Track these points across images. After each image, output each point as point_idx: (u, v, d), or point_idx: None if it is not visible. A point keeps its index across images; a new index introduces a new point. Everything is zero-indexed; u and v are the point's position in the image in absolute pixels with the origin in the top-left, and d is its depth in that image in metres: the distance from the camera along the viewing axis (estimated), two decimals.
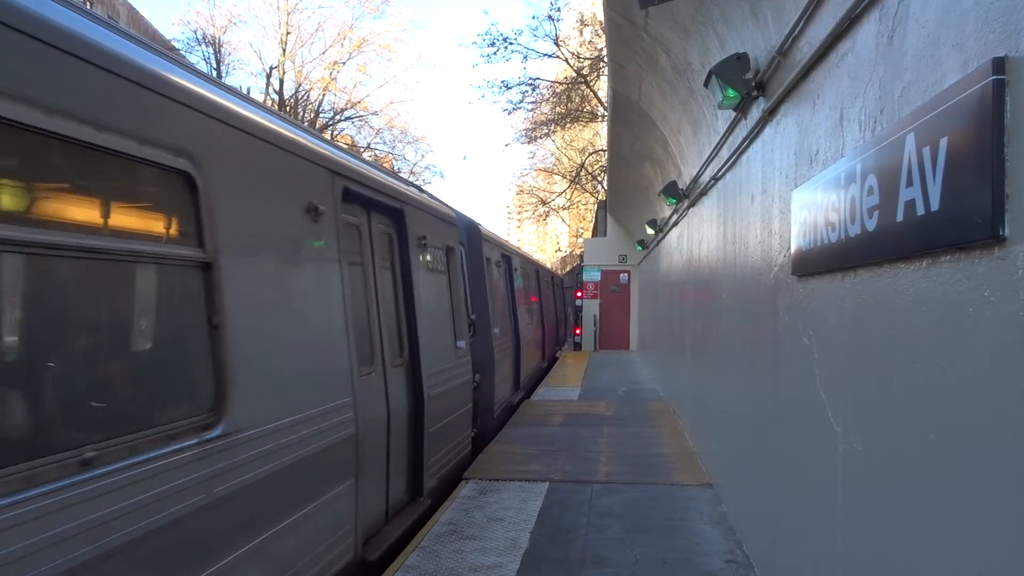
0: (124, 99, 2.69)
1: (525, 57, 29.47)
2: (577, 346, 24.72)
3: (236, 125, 3.48)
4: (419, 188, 7.83)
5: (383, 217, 5.73)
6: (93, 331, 2.70)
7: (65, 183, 2.57)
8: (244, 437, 3.25)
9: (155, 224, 3.05)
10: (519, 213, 54.97)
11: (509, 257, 12.92)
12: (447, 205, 8.57)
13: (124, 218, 2.86)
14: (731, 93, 4.99)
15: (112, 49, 2.68)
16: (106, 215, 2.74)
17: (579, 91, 28.05)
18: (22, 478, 2.13)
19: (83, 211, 2.67)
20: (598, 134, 31.66)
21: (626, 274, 23.31)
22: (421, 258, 6.42)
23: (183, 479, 2.82)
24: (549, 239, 67.08)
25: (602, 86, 24.39)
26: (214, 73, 27.40)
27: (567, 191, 35.53)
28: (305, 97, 30.74)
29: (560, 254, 55.71)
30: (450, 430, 6.98)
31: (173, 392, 3.03)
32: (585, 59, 26.73)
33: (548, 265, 35.92)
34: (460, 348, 7.67)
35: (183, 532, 2.81)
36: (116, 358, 2.79)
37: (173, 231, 3.08)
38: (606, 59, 10.85)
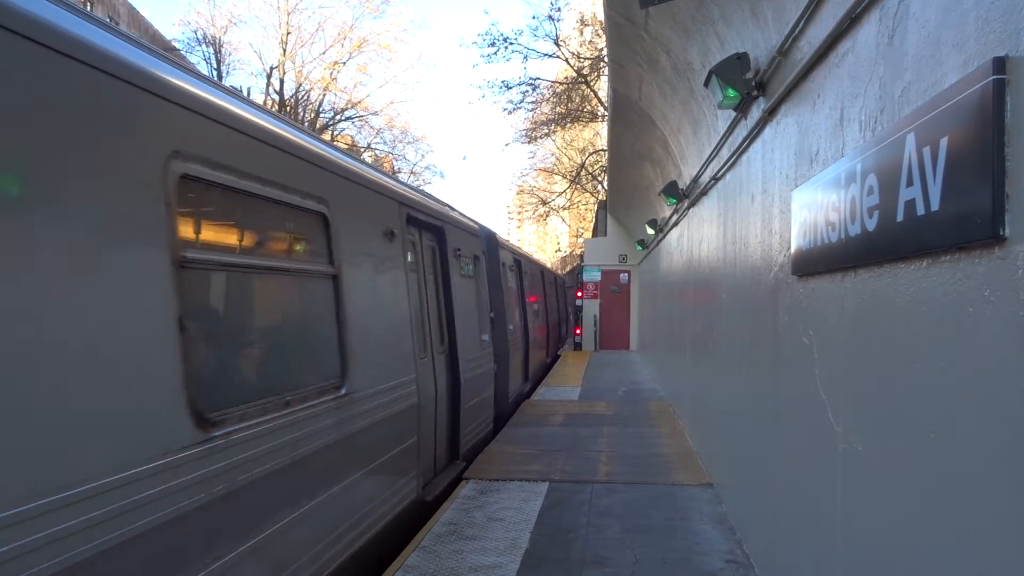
0: (300, 170, 4.16)
1: (525, 57, 29.51)
2: (577, 346, 24.70)
3: (345, 176, 4.92)
4: (451, 207, 8.99)
5: (429, 234, 7.24)
6: (288, 322, 4.25)
7: (276, 229, 4.11)
8: (357, 396, 4.62)
9: (311, 249, 4.42)
10: (519, 213, 54.98)
11: (520, 261, 14.47)
12: (473, 220, 10.07)
13: (299, 246, 4.36)
14: (731, 93, 4.99)
15: (297, 141, 4.22)
16: (295, 246, 4.32)
17: (579, 91, 28.03)
18: (260, 408, 3.48)
19: (287, 245, 4.27)
20: (598, 134, 31.66)
21: (626, 274, 23.29)
22: (456, 265, 7.99)
23: (326, 422, 4.17)
24: (549, 239, 67.08)
25: (602, 86, 24.37)
26: (214, 74, 27.41)
27: (567, 191, 35.51)
28: (305, 97, 30.76)
29: (560, 254, 55.71)
30: (479, 407, 8.68)
31: (322, 363, 4.39)
32: (585, 59, 26.71)
33: (549, 265, 35.93)
34: (484, 341, 9.27)
35: (326, 457, 4.15)
36: (299, 340, 4.29)
37: (320, 254, 4.42)
38: (606, 59, 10.85)
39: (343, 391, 4.41)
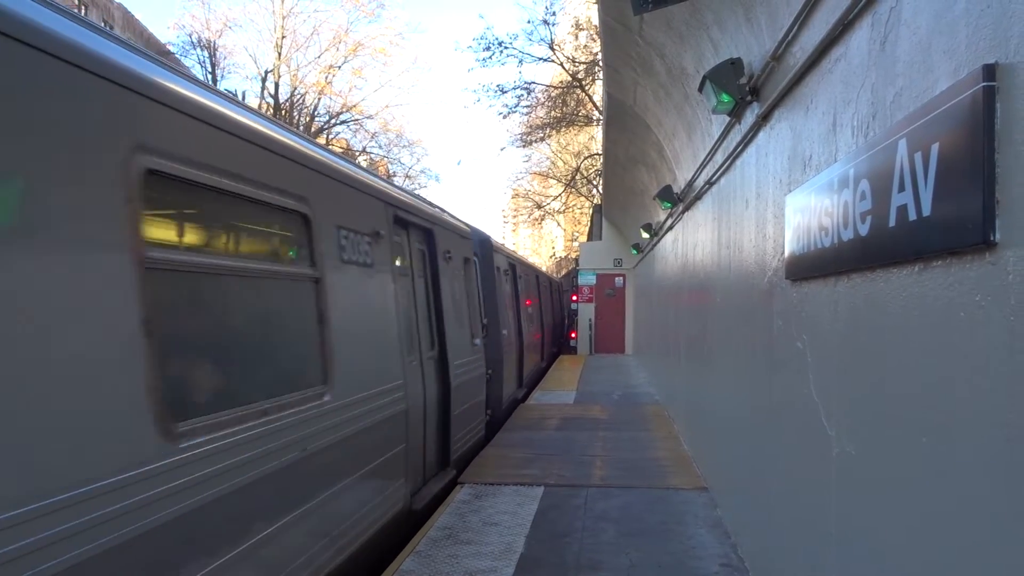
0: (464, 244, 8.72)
1: (520, 61, 29.45)
2: (572, 350, 24.71)
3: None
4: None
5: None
6: (469, 311, 9.04)
7: (456, 278, 8.57)
8: (486, 343, 9.46)
9: (468, 283, 9.14)
10: (515, 217, 54.96)
11: (537, 275, 18.32)
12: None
13: (462, 283, 9.04)
14: (725, 98, 5.01)
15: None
16: (462, 282, 8.95)
17: (574, 95, 28.08)
18: (457, 351, 7.75)
19: (460, 282, 8.81)
20: (593, 138, 31.71)
21: (621, 278, 23.32)
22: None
23: (475, 359, 8.64)
24: (544, 243, 67.12)
25: (597, 90, 24.43)
26: (209, 78, 27.36)
27: (562, 195, 35.55)
28: (300, 101, 30.76)
29: (555, 258, 55.70)
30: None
31: (469, 331, 8.59)
32: (580, 63, 26.76)
33: (543, 269, 35.98)
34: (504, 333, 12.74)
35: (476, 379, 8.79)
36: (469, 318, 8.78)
37: (474, 290, 9.33)
38: (601, 63, 10.89)
39: (478, 344, 8.79)
